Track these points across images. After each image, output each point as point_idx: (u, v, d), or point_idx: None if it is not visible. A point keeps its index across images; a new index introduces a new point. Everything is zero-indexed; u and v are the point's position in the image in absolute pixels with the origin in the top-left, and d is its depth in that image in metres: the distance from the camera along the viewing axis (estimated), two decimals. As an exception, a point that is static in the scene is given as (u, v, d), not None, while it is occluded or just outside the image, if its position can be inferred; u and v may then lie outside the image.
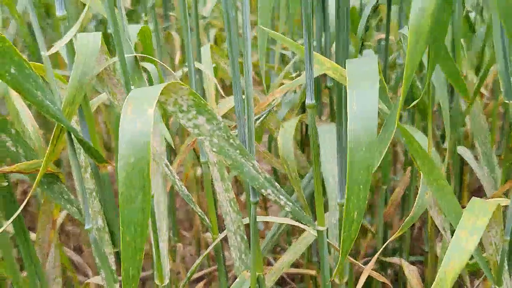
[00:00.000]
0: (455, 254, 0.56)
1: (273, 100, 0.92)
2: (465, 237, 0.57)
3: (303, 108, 1.21)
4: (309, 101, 0.59)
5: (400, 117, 1.09)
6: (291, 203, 0.62)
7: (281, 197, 0.62)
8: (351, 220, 0.53)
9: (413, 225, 1.47)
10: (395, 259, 1.15)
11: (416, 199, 0.69)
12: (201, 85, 1.00)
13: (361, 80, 0.54)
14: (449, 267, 0.56)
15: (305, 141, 1.20)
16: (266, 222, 1.38)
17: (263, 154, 1.18)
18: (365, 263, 1.22)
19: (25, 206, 1.36)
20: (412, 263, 1.30)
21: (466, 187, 1.30)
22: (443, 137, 1.25)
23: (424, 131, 1.14)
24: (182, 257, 1.34)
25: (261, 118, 0.90)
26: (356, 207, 0.53)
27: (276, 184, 0.61)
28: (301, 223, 0.66)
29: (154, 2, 1.11)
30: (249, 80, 0.59)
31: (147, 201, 0.47)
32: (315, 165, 0.61)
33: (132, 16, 1.53)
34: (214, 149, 0.57)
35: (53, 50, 0.48)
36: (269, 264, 1.28)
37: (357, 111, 0.52)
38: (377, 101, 0.52)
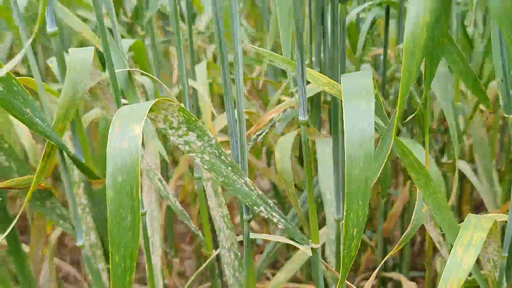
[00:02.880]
0: (453, 271, 0.55)
1: (271, 119, 0.91)
2: (462, 253, 0.56)
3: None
4: (301, 117, 0.58)
5: (399, 131, 1.08)
6: (284, 220, 0.61)
7: (274, 214, 0.61)
8: (350, 237, 0.52)
9: (414, 240, 1.45)
10: (394, 274, 1.13)
11: (413, 214, 0.68)
12: (196, 102, 1.00)
13: (357, 95, 0.53)
14: (447, 285, 0.54)
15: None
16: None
17: (262, 170, 1.18)
18: (365, 279, 1.21)
19: (22, 220, 1.36)
20: (413, 278, 1.29)
21: (465, 201, 1.29)
22: (442, 151, 1.24)
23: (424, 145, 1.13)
24: (180, 272, 1.33)
25: (260, 137, 0.89)
26: (355, 224, 0.52)
27: (269, 201, 0.60)
28: (295, 241, 0.65)
29: (150, 17, 1.11)
30: (240, 99, 0.58)
31: (137, 221, 0.46)
32: (308, 181, 0.60)
33: (132, 30, 1.53)
34: (205, 166, 0.56)
35: (13, 63, 0.47)
36: (268, 279, 1.26)
37: (353, 125, 0.51)
38: (373, 115, 0.51)
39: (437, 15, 0.52)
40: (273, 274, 1.29)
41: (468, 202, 1.29)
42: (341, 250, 0.52)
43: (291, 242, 0.67)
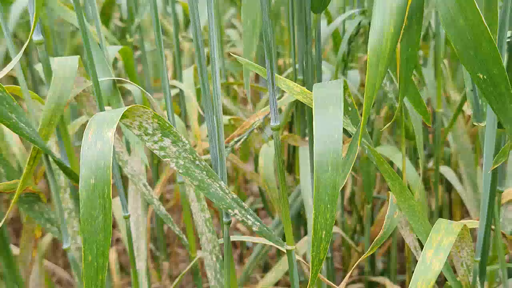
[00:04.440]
0: (422, 273, 0.56)
1: (255, 121, 0.93)
2: (432, 256, 0.57)
3: (289, 128, 1.23)
4: (273, 123, 0.61)
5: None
6: (258, 223, 0.63)
7: (248, 217, 0.63)
8: (319, 239, 0.53)
9: (403, 244, 1.47)
10: (380, 279, 1.15)
11: (385, 219, 0.69)
12: (185, 107, 1.02)
13: (327, 104, 0.55)
14: (417, 287, 0.56)
15: (292, 160, 1.21)
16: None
17: (250, 175, 1.20)
18: (353, 282, 1.22)
19: (14, 223, 1.37)
20: (403, 282, 1.30)
21: (456, 206, 1.30)
22: (430, 157, 1.26)
23: (412, 151, 1.15)
24: (173, 276, 1.35)
25: (242, 140, 0.91)
26: (323, 227, 0.53)
27: (244, 204, 0.62)
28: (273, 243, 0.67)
29: (139, 23, 1.13)
30: (217, 105, 0.60)
31: (108, 221, 0.48)
32: (281, 186, 0.62)
33: (125, 35, 1.55)
34: (180, 171, 0.58)
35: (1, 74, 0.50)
36: (256, 282, 1.28)
37: (322, 132, 0.53)
38: (341, 123, 0.53)
39: (402, 26, 0.54)
40: (262, 277, 1.31)
41: (459, 207, 1.31)
42: (311, 252, 0.54)
43: (270, 243, 0.69)
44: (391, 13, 0.52)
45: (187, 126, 1.12)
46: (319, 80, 0.75)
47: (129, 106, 0.51)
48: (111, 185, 0.47)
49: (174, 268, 1.39)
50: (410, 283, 0.57)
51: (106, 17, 1.23)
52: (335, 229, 1.07)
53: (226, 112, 1.23)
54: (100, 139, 0.47)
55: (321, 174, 0.52)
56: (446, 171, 1.14)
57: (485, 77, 0.52)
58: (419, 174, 0.98)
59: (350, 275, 1.24)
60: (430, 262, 0.57)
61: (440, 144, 1.15)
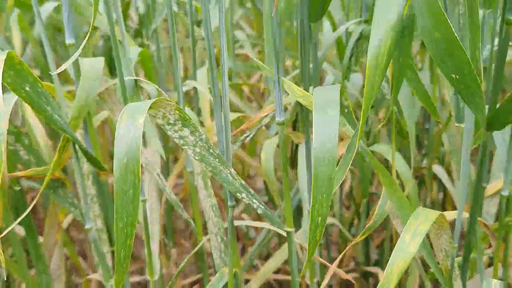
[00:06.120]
0: (400, 254, 0.64)
1: (264, 116, 1.02)
2: (409, 239, 0.65)
3: (293, 126, 1.31)
4: (278, 118, 0.69)
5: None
6: (263, 206, 0.72)
7: (254, 200, 0.71)
8: (316, 224, 0.61)
9: (396, 237, 1.55)
10: (374, 269, 1.23)
11: (376, 208, 0.78)
12: (197, 103, 1.10)
13: (325, 106, 0.62)
14: (394, 266, 0.64)
15: (294, 157, 1.30)
16: (256, 229, 1.47)
17: (255, 168, 1.28)
18: (348, 271, 1.31)
19: (35, 213, 1.46)
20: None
21: (449, 202, 1.38)
22: (426, 155, 1.34)
23: (406, 150, 1.23)
24: (179, 264, 1.44)
25: (250, 135, 1.00)
26: (320, 213, 0.60)
27: (250, 189, 0.71)
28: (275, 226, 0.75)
29: (156, 27, 1.22)
30: (226, 101, 0.69)
31: (137, 195, 0.55)
32: (284, 177, 0.71)
33: (141, 34, 1.63)
34: (197, 158, 0.67)
35: (58, 70, 0.58)
36: (258, 270, 1.36)
37: (320, 132, 0.60)
38: (337, 124, 0.61)
39: (398, 38, 0.61)
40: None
41: (451, 203, 1.39)
42: (308, 235, 0.62)
43: (270, 227, 0.77)
44: (386, 30, 0.58)
45: (200, 123, 1.21)
46: (315, 84, 0.84)
47: (156, 99, 0.59)
48: (140, 164, 0.55)
49: (179, 259, 1.48)
50: (389, 261, 0.64)
51: (123, 17, 1.31)
52: (332, 220, 1.15)
53: (235, 109, 1.32)
54: (132, 124, 0.55)
55: (319, 168, 0.59)
56: (438, 169, 1.22)
57: (457, 77, 0.60)
58: (412, 170, 1.06)
59: (346, 265, 1.33)
60: (407, 244, 0.64)
61: (434, 144, 1.23)
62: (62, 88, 0.82)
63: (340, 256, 0.75)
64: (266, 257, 1.46)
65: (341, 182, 0.69)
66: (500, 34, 0.67)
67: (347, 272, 1.31)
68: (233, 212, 0.73)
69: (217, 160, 0.68)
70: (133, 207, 0.53)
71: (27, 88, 0.65)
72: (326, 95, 0.64)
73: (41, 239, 1.05)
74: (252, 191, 0.71)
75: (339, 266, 1.31)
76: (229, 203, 0.73)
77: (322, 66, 1.30)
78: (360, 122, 0.61)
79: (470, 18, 0.64)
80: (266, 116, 1.02)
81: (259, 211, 0.71)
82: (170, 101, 0.62)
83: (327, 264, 0.74)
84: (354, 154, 0.68)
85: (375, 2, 0.58)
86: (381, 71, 0.59)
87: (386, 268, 0.64)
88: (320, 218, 0.61)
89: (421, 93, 0.81)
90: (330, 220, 1.17)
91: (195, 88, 1.11)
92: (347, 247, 0.75)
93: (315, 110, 0.62)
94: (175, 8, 1.60)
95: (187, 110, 0.97)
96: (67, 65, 0.54)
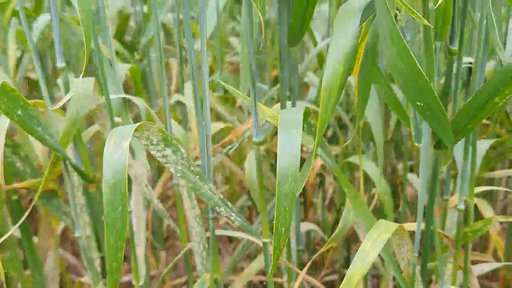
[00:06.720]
0: (360, 259, 0.70)
1: (248, 129, 1.08)
2: (369, 247, 0.71)
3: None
4: (255, 139, 0.75)
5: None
6: (240, 219, 0.78)
7: (231, 214, 0.78)
8: (279, 234, 0.67)
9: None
10: (352, 272, 1.30)
11: (340, 220, 0.84)
12: (185, 114, 1.17)
13: (289, 126, 0.67)
14: (355, 270, 0.70)
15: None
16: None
17: (242, 177, 1.34)
18: (327, 274, 1.37)
19: (32, 213, 1.52)
20: (372, 275, 1.45)
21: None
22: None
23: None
24: (167, 264, 1.50)
25: (234, 147, 1.06)
26: (283, 224, 0.66)
27: (229, 203, 0.77)
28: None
29: (147, 41, 1.28)
30: (207, 121, 0.75)
31: (125, 211, 0.61)
32: (259, 193, 0.77)
33: (135, 47, 1.69)
34: (178, 174, 0.73)
35: (56, 106, 0.65)
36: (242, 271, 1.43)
37: (284, 150, 0.65)
38: (299, 143, 0.66)
39: (352, 65, 0.68)
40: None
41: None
42: (273, 243, 0.67)
43: (248, 237, 0.84)
44: (339, 60, 0.64)
45: (190, 130, 1.26)
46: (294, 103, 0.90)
47: (140, 123, 0.65)
48: (126, 184, 0.61)
49: (171, 260, 1.54)
50: (350, 266, 0.69)
51: (120, 34, 1.38)
52: (312, 226, 1.22)
53: (223, 119, 1.37)
54: (119, 148, 0.61)
55: (282, 184, 0.64)
56: (413, 177, 1.29)
57: (422, 104, 0.65)
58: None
59: (325, 268, 1.39)
60: (368, 251, 0.70)
61: (410, 151, 1.30)
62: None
63: (309, 262, 0.81)
64: (254, 257, 1.52)
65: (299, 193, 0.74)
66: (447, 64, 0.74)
67: (327, 275, 1.37)
68: (215, 223, 0.80)
69: (197, 176, 0.74)
70: (122, 223, 0.60)
71: (19, 112, 0.72)
72: (291, 116, 0.68)
73: (36, 239, 1.12)
74: (230, 205, 0.77)
75: (319, 269, 1.38)
76: (210, 215, 0.79)
77: (306, 80, 1.37)
78: (316, 140, 0.66)
79: (426, 52, 0.70)
80: (250, 128, 1.08)
81: (237, 223, 0.78)
82: (153, 124, 0.68)
83: (297, 270, 0.80)
84: (310, 168, 0.73)
85: (334, 31, 0.64)
86: (334, 95, 0.64)
87: (347, 272, 0.70)
88: (283, 229, 0.65)
89: (393, 103, 0.87)
90: (310, 226, 1.24)
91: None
92: (317, 253, 0.81)
93: (279, 130, 0.66)
94: (170, 18, 1.66)
95: (174, 124, 1.03)
96: (60, 104, 0.61)
